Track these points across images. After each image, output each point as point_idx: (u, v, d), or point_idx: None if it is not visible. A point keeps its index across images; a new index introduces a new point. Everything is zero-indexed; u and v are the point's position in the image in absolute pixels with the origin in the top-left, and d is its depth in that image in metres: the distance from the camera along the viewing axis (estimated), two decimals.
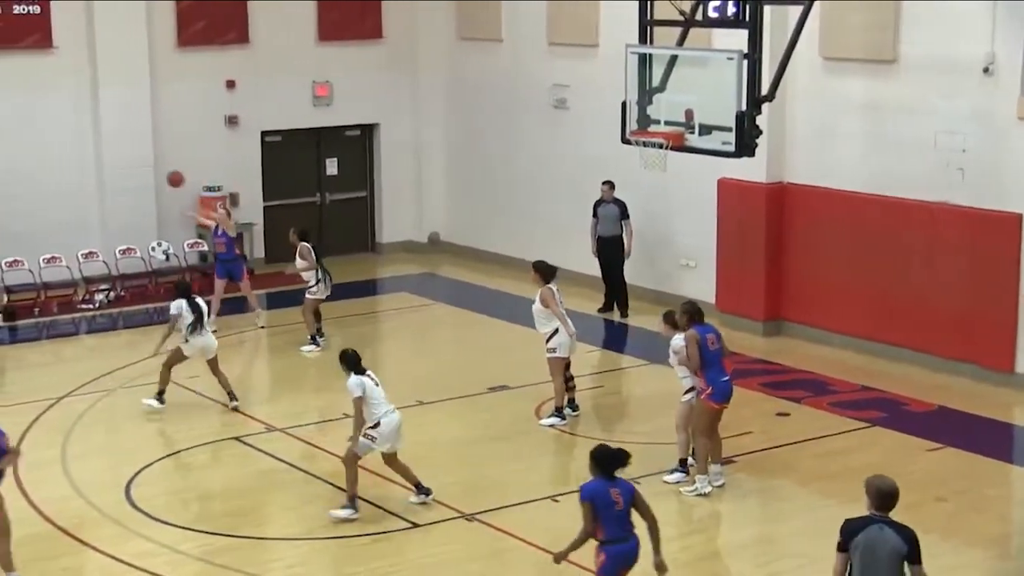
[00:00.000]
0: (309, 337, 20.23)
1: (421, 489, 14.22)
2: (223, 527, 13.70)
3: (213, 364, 17.44)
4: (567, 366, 16.74)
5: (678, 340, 14.53)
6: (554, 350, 16.49)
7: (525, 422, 16.89)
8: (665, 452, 14.96)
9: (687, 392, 14.61)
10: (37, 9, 22.88)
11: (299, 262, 20.07)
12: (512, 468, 15.61)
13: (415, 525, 13.83)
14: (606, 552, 10.69)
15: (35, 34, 22.94)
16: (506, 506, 14.28)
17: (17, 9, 22.72)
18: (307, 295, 20.21)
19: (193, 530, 13.67)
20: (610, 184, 21.40)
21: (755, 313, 20.27)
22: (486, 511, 14.10)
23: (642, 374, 18.86)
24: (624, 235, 21.61)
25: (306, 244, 20.08)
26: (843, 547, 9.43)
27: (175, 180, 22.94)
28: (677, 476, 14.73)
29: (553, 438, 16.43)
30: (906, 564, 9.26)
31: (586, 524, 10.73)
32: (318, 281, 20.03)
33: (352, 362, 13.96)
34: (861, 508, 13.75)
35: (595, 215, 21.74)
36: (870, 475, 9.75)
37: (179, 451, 15.88)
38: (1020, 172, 17.54)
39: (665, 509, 14.44)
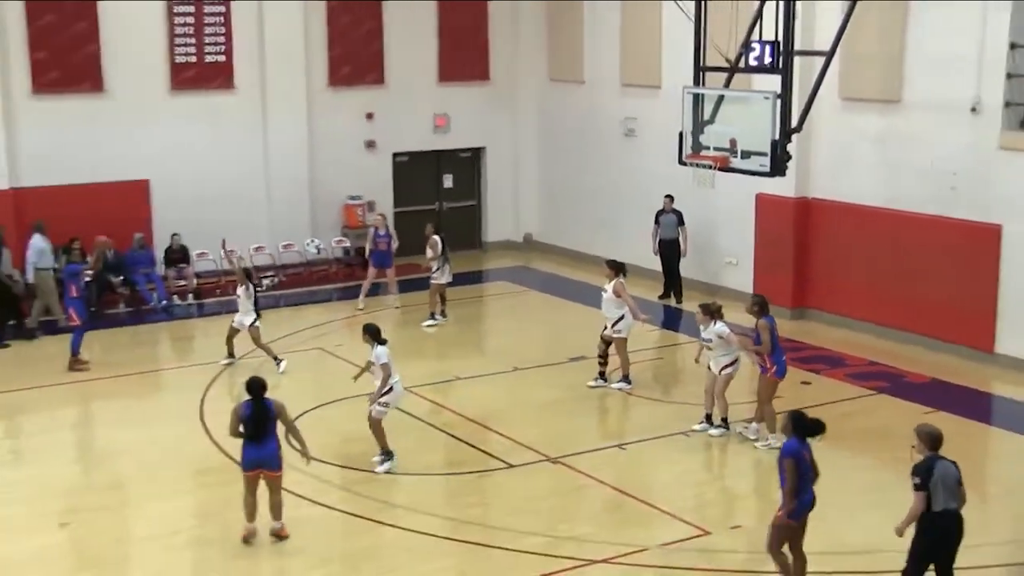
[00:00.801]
0: (430, 314, 20.21)
1: (388, 455, 13.68)
2: (360, 464, 13.76)
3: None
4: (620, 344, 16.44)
5: (721, 327, 14.35)
6: (620, 331, 16.31)
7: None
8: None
9: (725, 367, 14.42)
10: (223, 58, 23.10)
11: (428, 252, 20.01)
12: (588, 422, 15.58)
13: (510, 466, 13.81)
14: (800, 501, 10.20)
15: (221, 78, 23.15)
16: (583, 452, 14.21)
17: (208, 59, 22.97)
18: (431, 280, 20.17)
19: (336, 465, 13.77)
20: (670, 197, 21.21)
21: (785, 302, 19.99)
22: (567, 455, 14.04)
23: (693, 349, 18.68)
24: (680, 239, 21.40)
25: (436, 237, 20.04)
26: (923, 486, 9.39)
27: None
28: (719, 431, 14.56)
29: (620, 398, 16.31)
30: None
31: (792, 478, 10.08)
32: (438, 269, 19.96)
33: (376, 334, 13.51)
34: (867, 460, 13.77)
35: (657, 222, 21.52)
36: (920, 424, 9.81)
37: (324, 404, 15.95)
38: (1001, 191, 17.22)
39: (713, 454, 14.38)
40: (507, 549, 11.55)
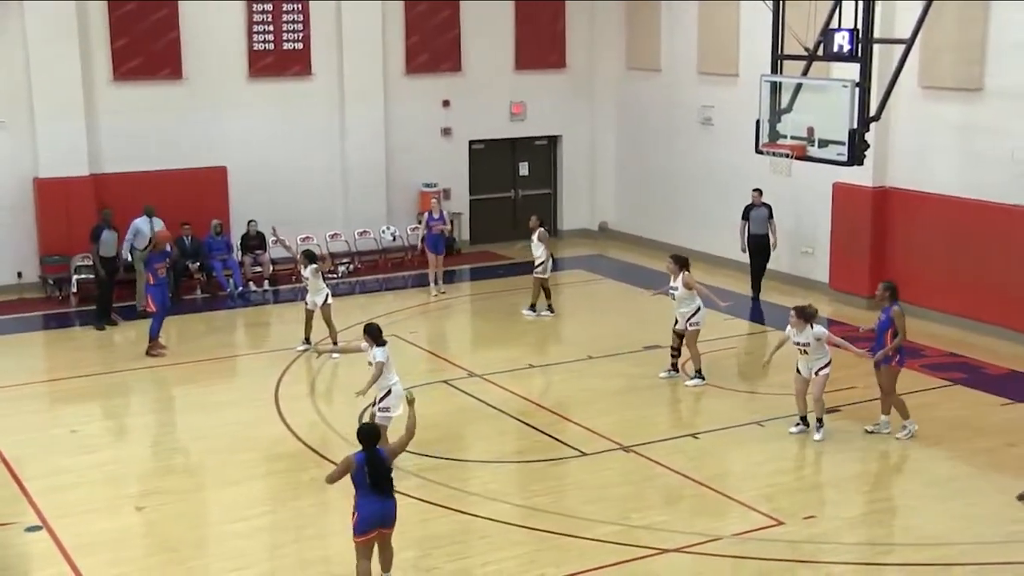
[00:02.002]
0: (530, 306, 19.93)
1: None
2: (434, 451, 13.83)
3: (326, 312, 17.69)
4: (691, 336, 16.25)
5: (820, 330, 14.15)
6: (697, 323, 16.11)
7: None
8: (790, 401, 14.71)
9: (821, 369, 14.14)
10: (301, 46, 23.36)
11: (540, 247, 19.61)
12: (660, 410, 15.58)
13: (583, 454, 13.87)
14: None
15: (298, 65, 23.40)
16: (655, 441, 14.23)
17: (286, 46, 23.24)
18: (535, 273, 19.78)
19: (411, 452, 13.89)
20: (759, 191, 20.59)
21: (861, 291, 19.85)
22: (639, 444, 14.07)
23: (770, 338, 18.70)
24: (770, 233, 20.75)
25: (543, 229, 19.90)
26: None
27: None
28: (820, 433, 14.23)
29: (693, 387, 16.27)
30: None
31: None
32: (542, 262, 19.66)
33: (376, 335, 13.21)
34: (943, 451, 13.65)
35: (745, 217, 20.78)
36: None
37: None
38: None
39: (787, 444, 14.32)
40: (580, 537, 11.62)
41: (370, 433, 10.35)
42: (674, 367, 16.55)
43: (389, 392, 13.13)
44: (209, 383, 17.02)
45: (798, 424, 14.45)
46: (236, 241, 22.51)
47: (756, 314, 20.27)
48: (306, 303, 18.03)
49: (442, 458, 13.71)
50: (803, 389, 14.34)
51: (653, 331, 18.55)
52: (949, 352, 17.61)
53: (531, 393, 16.04)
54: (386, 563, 10.60)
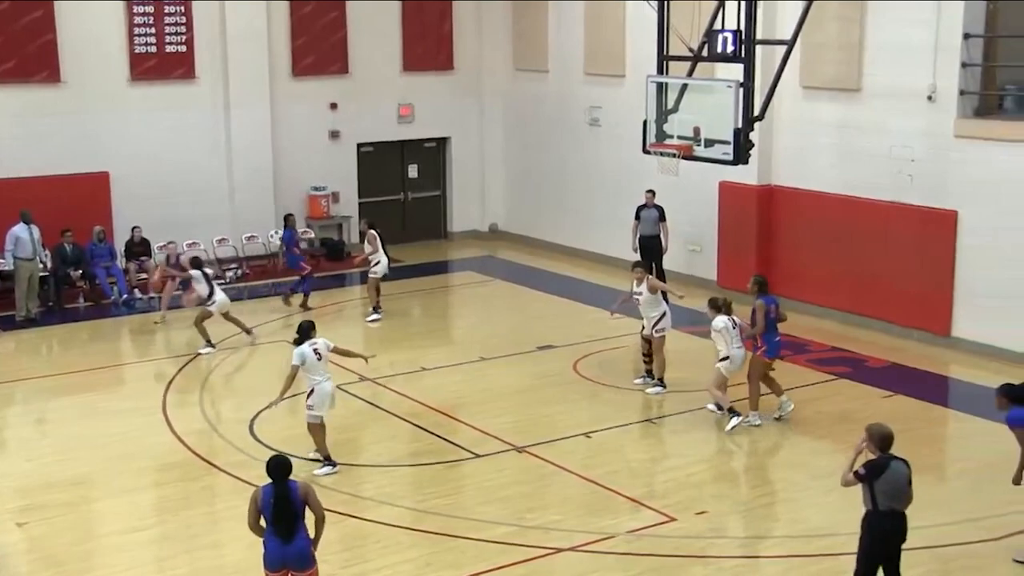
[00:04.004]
0: (372, 308, 19.95)
1: (329, 462, 13.33)
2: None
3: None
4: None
5: (719, 321, 14.45)
6: (662, 330, 15.85)
7: (565, 374, 16.90)
8: (691, 397, 14.98)
9: (721, 360, 14.45)
10: (184, 48, 23.02)
11: (367, 247, 19.77)
12: (554, 410, 15.61)
13: (477, 455, 13.88)
14: None
15: (182, 68, 23.06)
16: (549, 440, 14.30)
17: (168, 49, 22.87)
18: (370, 274, 19.92)
19: (302, 458, 13.77)
20: (652, 192, 20.50)
21: (747, 288, 20.17)
22: (533, 444, 14.13)
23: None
24: (661, 234, 20.63)
25: (374, 231, 19.87)
26: (864, 478, 9.39)
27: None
28: (734, 421, 14.47)
29: (587, 386, 16.40)
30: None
31: None
32: (377, 263, 19.71)
33: (302, 333, 13.23)
34: (829, 445, 13.94)
35: (637, 217, 20.72)
36: (871, 423, 9.80)
37: (291, 396, 15.86)
38: (956, 178, 17.50)
39: (678, 441, 14.52)
40: (474, 539, 11.63)
41: (279, 465, 9.22)
42: (648, 373, 16.24)
43: (312, 391, 13.19)
44: (94, 393, 16.65)
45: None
46: (120, 248, 22.06)
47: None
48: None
49: (335, 463, 13.60)
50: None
51: (545, 331, 18.66)
52: (832, 346, 18.00)
53: (424, 396, 16.01)
54: None
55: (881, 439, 9.50)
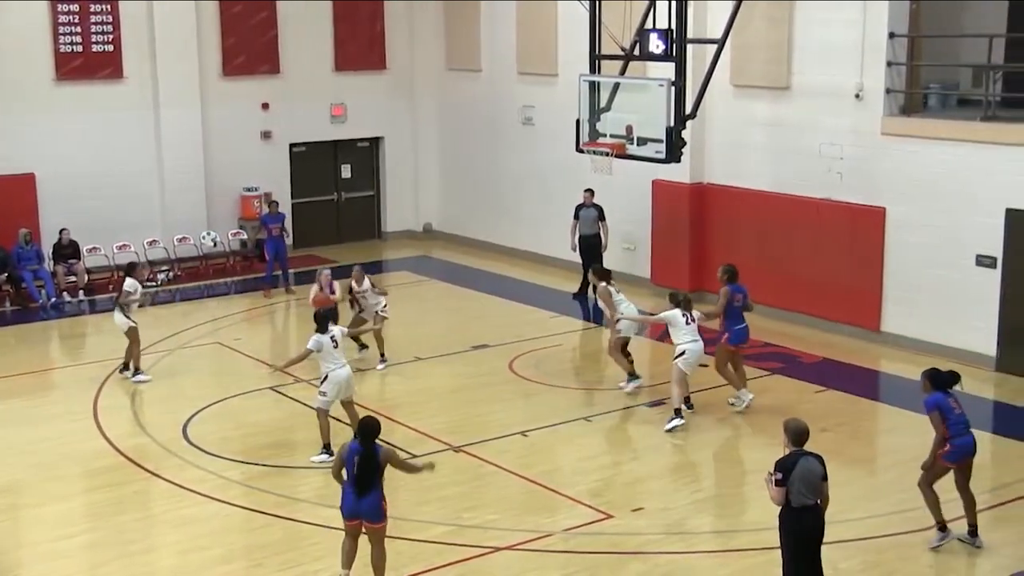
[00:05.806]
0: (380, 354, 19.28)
1: (327, 450, 13.59)
2: (261, 458, 13.73)
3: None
4: (625, 344, 16.01)
5: (670, 313, 14.64)
6: (619, 331, 15.77)
7: (501, 373, 16.92)
8: (616, 396, 14.93)
9: (677, 356, 14.54)
10: (111, 48, 22.74)
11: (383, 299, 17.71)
12: (490, 410, 15.63)
13: (413, 456, 13.82)
14: (952, 445, 10.95)
15: (109, 68, 22.78)
16: (485, 440, 14.32)
17: (95, 48, 22.58)
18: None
19: (236, 460, 13.69)
20: (591, 191, 20.62)
21: (682, 285, 20.14)
22: (469, 444, 14.15)
23: (597, 337, 19.01)
24: (601, 233, 20.76)
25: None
26: (783, 482, 9.38)
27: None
28: (675, 421, 14.48)
29: (523, 385, 16.42)
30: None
31: (938, 428, 10.91)
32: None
33: (320, 322, 13.68)
34: (763, 439, 14.07)
35: (576, 217, 20.80)
36: (786, 418, 9.87)
37: (225, 399, 15.86)
38: (884, 175, 17.76)
39: (614, 438, 14.61)
40: (412, 539, 11.61)
41: (368, 427, 10.20)
42: (631, 374, 15.98)
43: (326, 377, 13.53)
44: (22, 398, 16.39)
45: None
46: (48, 250, 21.74)
47: (585, 312, 20.57)
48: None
49: (270, 465, 13.56)
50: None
51: (480, 331, 18.66)
52: (765, 343, 18.18)
53: (360, 396, 15.90)
54: (377, 566, 10.40)
55: (795, 434, 9.57)
